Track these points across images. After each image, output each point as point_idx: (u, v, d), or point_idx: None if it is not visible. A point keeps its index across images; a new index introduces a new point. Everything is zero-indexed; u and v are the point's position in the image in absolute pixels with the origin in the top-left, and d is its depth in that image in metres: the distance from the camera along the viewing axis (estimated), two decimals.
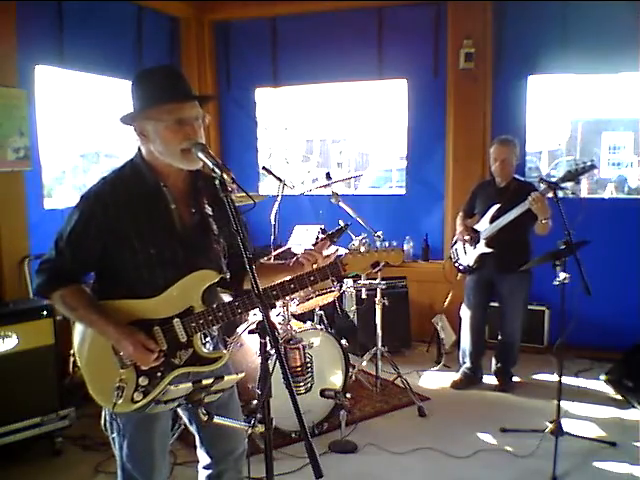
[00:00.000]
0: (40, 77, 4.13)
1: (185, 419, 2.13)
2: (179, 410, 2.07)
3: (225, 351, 2.01)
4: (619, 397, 4.05)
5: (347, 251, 1.96)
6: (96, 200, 1.82)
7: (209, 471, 2.12)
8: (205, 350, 1.91)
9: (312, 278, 1.90)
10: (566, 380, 3.59)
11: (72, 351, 1.93)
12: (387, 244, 1.99)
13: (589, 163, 3.44)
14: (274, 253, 4.00)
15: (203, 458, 2.13)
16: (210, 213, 1.93)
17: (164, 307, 1.84)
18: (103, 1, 4.52)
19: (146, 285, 1.83)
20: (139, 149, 1.89)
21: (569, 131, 20.21)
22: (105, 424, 1.96)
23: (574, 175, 3.45)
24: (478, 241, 4.07)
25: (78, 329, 1.91)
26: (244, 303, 1.83)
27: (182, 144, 1.76)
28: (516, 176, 4.11)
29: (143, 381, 1.83)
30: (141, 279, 1.83)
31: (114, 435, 1.93)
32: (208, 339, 1.97)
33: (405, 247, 5.47)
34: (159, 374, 1.84)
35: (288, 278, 1.89)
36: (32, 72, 4.06)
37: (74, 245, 1.82)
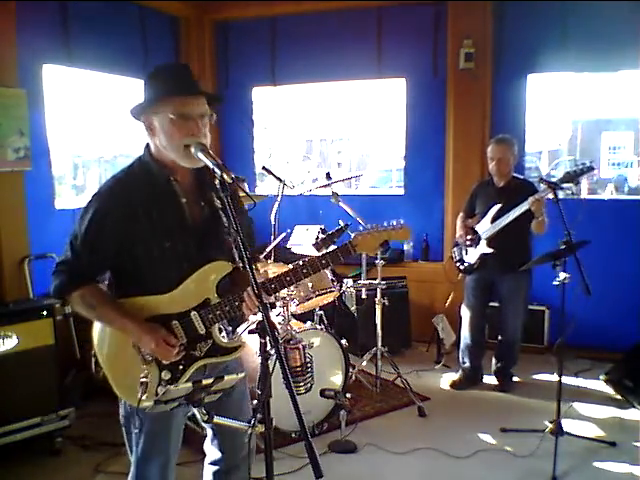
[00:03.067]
0: (45, 77, 4.14)
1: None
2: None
3: (244, 340, 2.01)
4: (619, 397, 4.05)
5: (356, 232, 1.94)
6: (109, 198, 1.83)
7: (217, 467, 2.12)
8: (224, 340, 1.92)
9: (324, 261, 1.90)
10: (566, 380, 3.59)
11: (93, 351, 1.93)
12: (394, 222, 1.96)
13: (588, 164, 3.45)
14: (270, 247, 4.00)
15: (212, 453, 2.13)
16: (219, 206, 1.93)
17: (180, 301, 1.86)
18: (105, 1, 4.52)
19: (161, 280, 1.84)
20: (147, 146, 1.90)
21: (569, 131, 20.17)
22: (124, 421, 1.97)
23: (573, 177, 3.46)
24: (479, 241, 4.07)
25: (97, 329, 1.92)
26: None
27: (184, 139, 1.75)
28: (515, 175, 4.11)
29: (166, 375, 1.85)
30: (156, 274, 1.84)
31: (135, 431, 1.93)
32: (223, 334, 1.98)
33: (405, 247, 5.48)
34: (181, 367, 1.87)
35: (301, 262, 1.90)
36: (39, 71, 4.07)
37: (91, 244, 1.82)
